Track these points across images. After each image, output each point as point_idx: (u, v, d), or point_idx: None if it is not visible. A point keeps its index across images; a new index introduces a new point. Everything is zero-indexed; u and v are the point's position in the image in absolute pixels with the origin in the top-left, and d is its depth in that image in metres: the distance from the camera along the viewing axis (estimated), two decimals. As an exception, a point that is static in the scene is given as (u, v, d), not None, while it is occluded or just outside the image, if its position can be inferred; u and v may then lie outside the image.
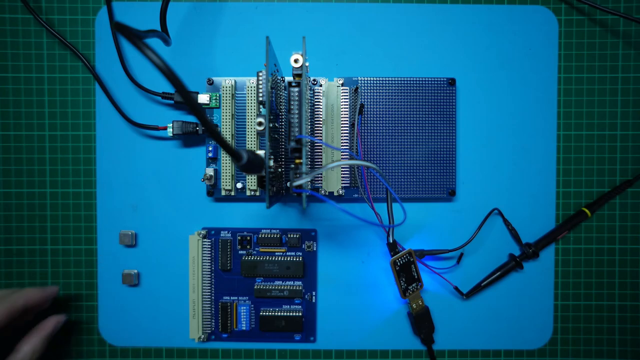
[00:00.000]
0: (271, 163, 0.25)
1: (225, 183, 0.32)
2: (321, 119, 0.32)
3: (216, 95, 0.33)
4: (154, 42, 0.32)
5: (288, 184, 0.29)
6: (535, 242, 0.34)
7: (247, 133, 0.32)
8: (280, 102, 0.30)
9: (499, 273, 0.34)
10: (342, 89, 0.33)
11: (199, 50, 0.34)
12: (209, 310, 0.33)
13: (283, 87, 0.30)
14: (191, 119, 0.34)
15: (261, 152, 0.25)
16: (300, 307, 0.34)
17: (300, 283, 0.34)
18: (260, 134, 0.25)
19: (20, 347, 0.29)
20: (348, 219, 0.34)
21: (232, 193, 0.33)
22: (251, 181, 0.32)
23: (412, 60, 0.34)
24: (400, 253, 0.32)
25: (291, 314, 0.33)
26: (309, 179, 0.25)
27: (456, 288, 0.34)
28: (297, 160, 0.25)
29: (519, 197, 0.34)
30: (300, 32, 0.34)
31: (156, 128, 0.33)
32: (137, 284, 0.34)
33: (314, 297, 0.34)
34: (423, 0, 0.34)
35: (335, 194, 0.33)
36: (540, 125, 0.34)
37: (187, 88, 0.18)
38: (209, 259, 0.33)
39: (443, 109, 0.33)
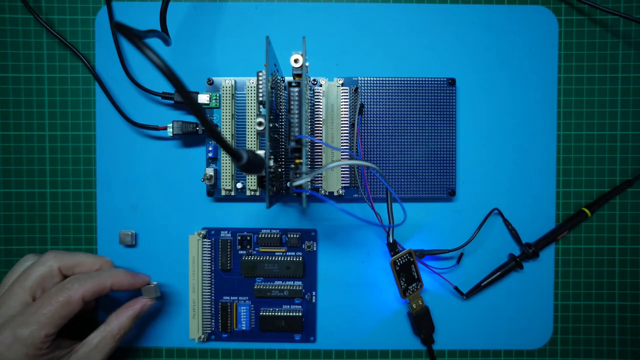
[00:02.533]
0: (271, 163, 0.25)
1: (225, 183, 0.32)
2: (321, 119, 0.32)
3: (216, 95, 0.33)
4: (154, 42, 0.32)
5: (288, 184, 0.29)
6: (535, 242, 0.34)
7: (247, 133, 0.32)
8: (280, 102, 0.30)
9: (499, 273, 0.34)
10: (342, 89, 0.33)
11: (199, 50, 0.34)
12: (209, 310, 0.33)
13: (283, 87, 0.30)
14: (191, 119, 0.34)
15: (261, 152, 0.25)
16: (300, 307, 0.34)
17: (300, 283, 0.34)
18: (260, 134, 0.25)
19: (110, 320, 0.30)
20: (348, 219, 0.34)
21: (232, 193, 0.33)
22: (251, 181, 0.32)
23: (412, 60, 0.34)
24: (400, 253, 0.32)
25: (291, 314, 0.33)
26: (309, 179, 0.25)
27: (456, 288, 0.34)
28: (297, 160, 0.25)
29: (519, 197, 0.34)
30: (300, 32, 0.34)
31: (156, 128, 0.33)
32: (137, 284, 0.34)
33: (314, 297, 0.34)
34: (423, 0, 0.34)
35: (335, 194, 0.33)
36: (540, 125, 0.34)
37: (187, 88, 0.18)
38: (209, 259, 0.33)
39: (443, 109, 0.33)
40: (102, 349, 0.28)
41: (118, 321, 0.30)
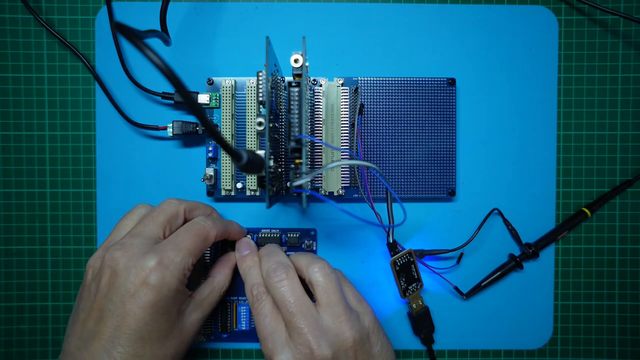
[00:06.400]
0: (271, 163, 0.25)
1: (225, 183, 0.32)
2: (321, 119, 0.32)
3: (216, 95, 0.33)
4: (154, 42, 0.32)
5: (288, 184, 0.29)
6: (535, 242, 0.34)
7: (247, 133, 0.32)
8: (280, 102, 0.30)
9: (499, 273, 0.34)
10: (342, 89, 0.33)
11: (199, 50, 0.34)
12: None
13: (283, 87, 0.30)
14: (191, 119, 0.34)
15: (261, 152, 0.25)
16: (300, 307, 0.34)
17: (300, 283, 0.34)
18: (260, 134, 0.25)
19: (215, 274, 0.30)
20: (348, 219, 0.34)
21: (232, 193, 0.33)
22: (251, 181, 0.32)
23: (412, 60, 0.34)
24: (400, 253, 0.32)
25: None
26: (309, 179, 0.25)
27: (456, 288, 0.34)
28: (297, 160, 0.25)
29: (519, 197, 0.34)
30: (300, 32, 0.34)
31: (156, 128, 0.33)
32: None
33: (313, 297, 0.34)
34: (423, 0, 0.34)
35: (335, 194, 0.33)
36: (540, 125, 0.34)
37: (187, 88, 0.18)
38: (209, 259, 0.33)
39: (443, 109, 0.33)
40: (211, 300, 0.29)
41: (223, 273, 0.31)
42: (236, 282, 0.33)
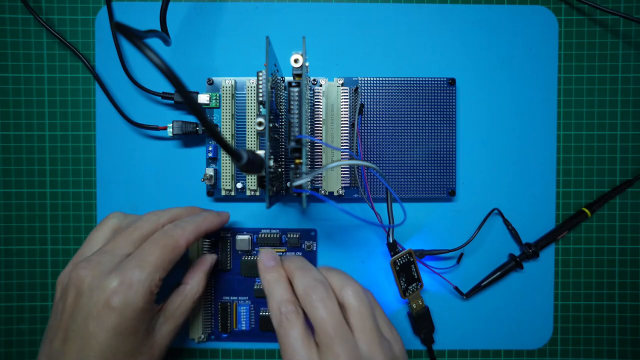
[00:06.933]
0: (271, 163, 0.25)
1: (225, 183, 0.32)
2: (321, 119, 0.32)
3: (216, 95, 0.33)
4: (154, 42, 0.32)
5: (288, 184, 0.29)
6: (535, 242, 0.34)
7: (247, 133, 0.32)
8: (280, 102, 0.30)
9: (499, 273, 0.34)
10: (342, 89, 0.33)
11: (199, 50, 0.34)
12: (208, 310, 0.33)
13: (283, 87, 0.30)
14: (191, 119, 0.34)
15: (261, 152, 0.25)
16: (300, 307, 0.34)
17: (300, 283, 0.34)
18: (260, 134, 0.25)
19: (187, 280, 0.29)
20: (348, 219, 0.34)
21: (232, 193, 0.33)
22: (251, 181, 0.32)
23: (412, 60, 0.34)
24: (400, 253, 0.32)
25: None
26: (309, 179, 0.25)
27: (456, 288, 0.34)
28: (297, 160, 0.25)
29: (519, 197, 0.34)
30: (300, 32, 0.34)
31: (156, 128, 0.33)
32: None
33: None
34: (423, 0, 0.34)
35: (335, 194, 0.33)
36: (540, 125, 0.34)
37: (187, 88, 0.18)
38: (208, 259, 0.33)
39: (443, 109, 0.33)
40: (183, 309, 0.28)
41: (194, 279, 0.29)
42: (236, 282, 0.33)
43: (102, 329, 0.23)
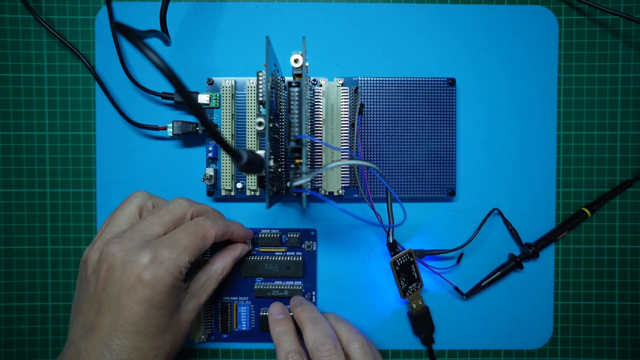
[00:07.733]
0: (271, 163, 0.25)
1: (225, 183, 0.32)
2: (321, 119, 0.32)
3: (216, 95, 0.33)
4: (154, 42, 0.32)
5: (288, 184, 0.29)
6: (535, 242, 0.34)
7: (247, 133, 0.32)
8: (280, 102, 0.30)
9: (499, 273, 0.34)
10: (342, 89, 0.33)
11: (199, 50, 0.34)
12: (209, 310, 0.33)
13: (283, 87, 0.30)
14: (191, 119, 0.34)
15: (261, 152, 0.25)
16: (300, 307, 0.34)
17: (300, 283, 0.34)
18: (260, 134, 0.25)
19: (215, 261, 0.30)
20: (348, 219, 0.34)
21: (232, 193, 0.33)
22: (251, 181, 0.32)
23: (412, 60, 0.34)
24: (400, 253, 0.32)
25: (291, 314, 0.33)
26: (309, 179, 0.25)
27: (456, 288, 0.34)
28: (297, 160, 0.25)
29: (519, 197, 0.34)
30: (300, 32, 0.34)
31: (156, 128, 0.33)
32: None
33: (313, 297, 0.34)
34: (423, 0, 0.34)
35: (335, 194, 0.33)
36: (540, 125, 0.34)
37: (187, 88, 0.18)
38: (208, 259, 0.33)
39: (443, 109, 0.33)
40: (207, 288, 0.29)
41: (222, 262, 0.30)
42: (236, 282, 0.33)
43: (135, 301, 0.24)
